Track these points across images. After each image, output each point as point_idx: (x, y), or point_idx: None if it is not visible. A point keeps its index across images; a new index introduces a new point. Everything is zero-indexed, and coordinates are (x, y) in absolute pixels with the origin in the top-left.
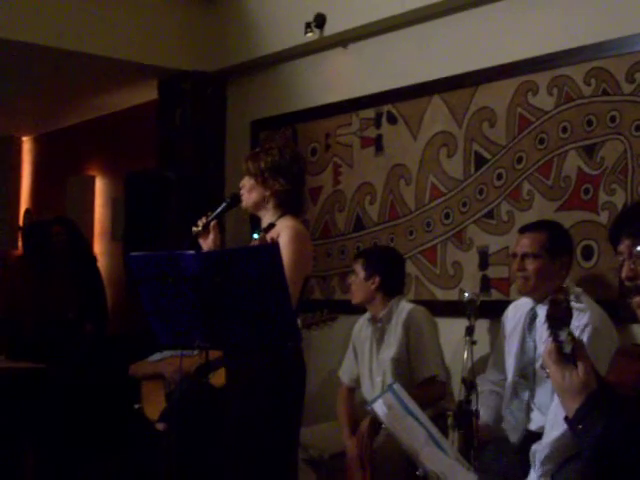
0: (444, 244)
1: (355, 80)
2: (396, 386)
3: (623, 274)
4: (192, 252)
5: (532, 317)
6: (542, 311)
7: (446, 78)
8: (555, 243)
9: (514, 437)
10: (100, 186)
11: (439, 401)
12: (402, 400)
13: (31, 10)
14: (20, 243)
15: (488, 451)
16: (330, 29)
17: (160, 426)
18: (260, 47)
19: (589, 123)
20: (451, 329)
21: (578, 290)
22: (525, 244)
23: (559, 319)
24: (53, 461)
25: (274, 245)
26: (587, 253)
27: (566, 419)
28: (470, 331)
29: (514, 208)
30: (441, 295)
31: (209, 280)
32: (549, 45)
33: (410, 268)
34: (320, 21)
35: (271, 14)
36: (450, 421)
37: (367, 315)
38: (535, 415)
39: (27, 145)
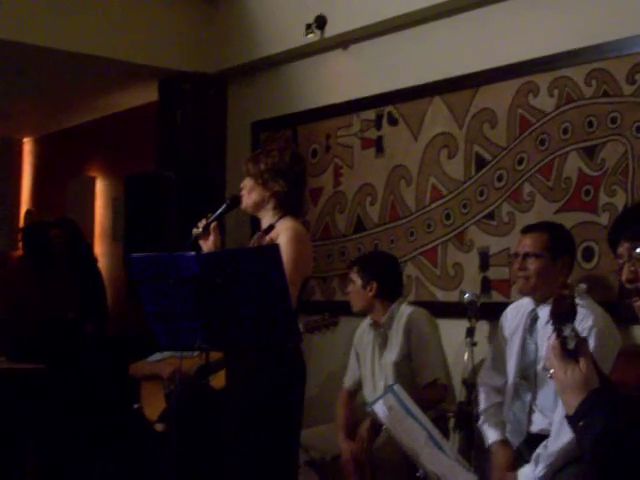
0: (445, 245)
1: (356, 81)
2: (396, 387)
3: (623, 277)
4: (192, 253)
5: (533, 318)
6: (543, 312)
7: (447, 79)
8: (557, 243)
9: (515, 439)
10: (101, 187)
11: (440, 403)
12: (402, 401)
13: (31, 11)
14: (20, 244)
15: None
16: (331, 30)
17: (159, 427)
18: (261, 48)
19: (590, 124)
20: (452, 330)
21: (583, 287)
22: (527, 244)
23: (564, 315)
24: (53, 461)
25: (274, 246)
26: (588, 254)
27: (567, 417)
28: (471, 332)
29: (515, 209)
30: (442, 296)
31: (209, 281)
32: (550, 46)
33: (410, 269)
34: (321, 22)
35: (272, 15)
36: (451, 423)
37: (368, 320)
38: (536, 417)
39: (28, 146)
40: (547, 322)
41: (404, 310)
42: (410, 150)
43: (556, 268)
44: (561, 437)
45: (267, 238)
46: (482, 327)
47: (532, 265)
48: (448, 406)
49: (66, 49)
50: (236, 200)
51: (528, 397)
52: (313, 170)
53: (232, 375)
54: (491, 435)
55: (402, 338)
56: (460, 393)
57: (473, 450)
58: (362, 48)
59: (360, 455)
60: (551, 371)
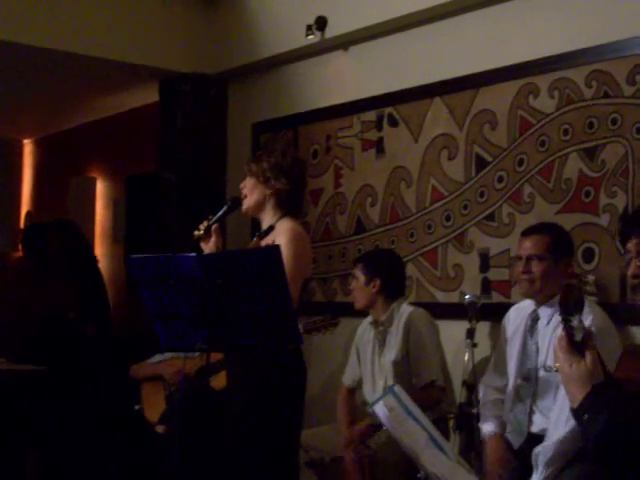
0: (445, 246)
1: (356, 82)
2: (397, 388)
3: (630, 271)
4: (193, 254)
5: (534, 319)
6: (544, 313)
7: (447, 80)
8: (558, 245)
9: (516, 440)
10: (101, 188)
11: (437, 405)
12: (403, 402)
13: (31, 12)
14: (20, 245)
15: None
16: (331, 31)
17: (160, 428)
18: (261, 49)
19: (590, 125)
20: (452, 331)
21: (591, 277)
22: (529, 246)
23: (571, 304)
24: (54, 463)
25: (275, 247)
26: (588, 255)
27: (571, 410)
28: (471, 333)
29: (515, 210)
30: (442, 297)
31: (210, 282)
32: (550, 47)
33: (411, 270)
34: (321, 24)
35: (272, 16)
36: (451, 424)
37: (369, 319)
38: (537, 418)
39: (28, 148)
40: (548, 322)
41: (404, 310)
42: (410, 151)
43: (558, 269)
44: (557, 431)
45: (267, 239)
46: (482, 328)
47: (536, 267)
48: (448, 407)
49: (66, 50)
50: (237, 202)
51: (529, 399)
52: (314, 171)
53: (233, 376)
54: (486, 427)
55: (401, 338)
56: (460, 394)
57: (473, 451)
58: (362, 49)
59: (361, 460)
60: (556, 364)
